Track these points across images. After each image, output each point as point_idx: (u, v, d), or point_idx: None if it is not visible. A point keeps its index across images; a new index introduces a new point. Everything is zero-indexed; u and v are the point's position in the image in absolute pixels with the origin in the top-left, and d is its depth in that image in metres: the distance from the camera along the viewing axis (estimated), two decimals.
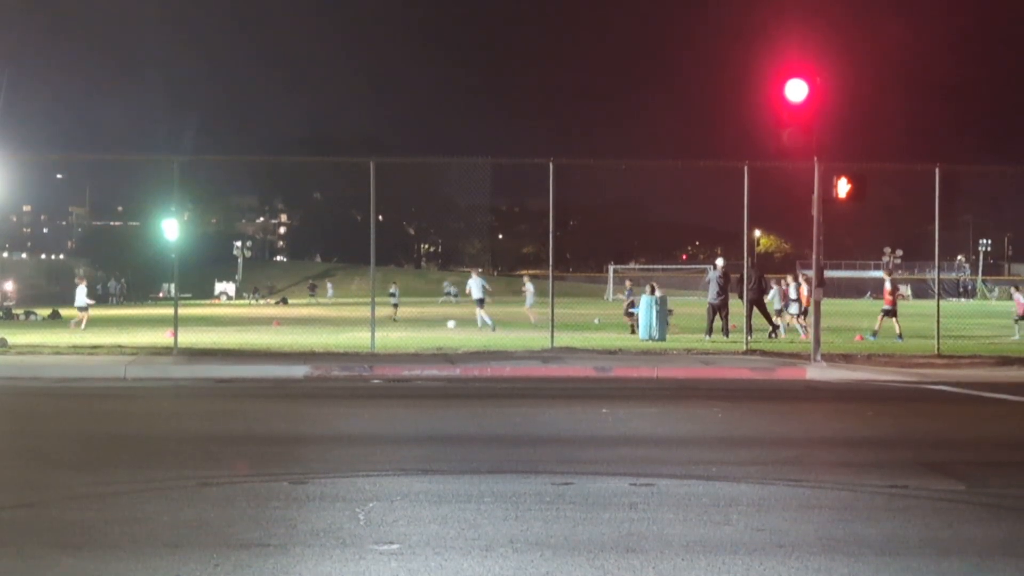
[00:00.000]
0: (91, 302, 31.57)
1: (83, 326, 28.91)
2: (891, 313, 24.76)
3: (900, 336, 23.86)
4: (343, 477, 7.94)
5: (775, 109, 18.11)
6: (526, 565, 5.60)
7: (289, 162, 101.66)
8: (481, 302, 28.82)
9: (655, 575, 5.49)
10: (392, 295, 38.27)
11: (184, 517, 6.63)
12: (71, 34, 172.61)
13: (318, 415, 12.18)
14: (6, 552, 5.88)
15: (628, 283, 31.34)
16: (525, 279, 33.56)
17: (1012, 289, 29.21)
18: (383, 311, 30.33)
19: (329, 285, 72.75)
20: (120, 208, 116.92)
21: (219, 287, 77.61)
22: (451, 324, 29.95)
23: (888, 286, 25.34)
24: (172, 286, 45.10)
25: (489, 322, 27.57)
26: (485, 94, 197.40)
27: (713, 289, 24.43)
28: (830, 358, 18.47)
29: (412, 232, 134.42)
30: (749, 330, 22.57)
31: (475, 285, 29.45)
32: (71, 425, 11.23)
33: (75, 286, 32.16)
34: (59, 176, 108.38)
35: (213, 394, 14.29)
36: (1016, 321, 26.52)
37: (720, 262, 25.63)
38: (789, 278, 26.95)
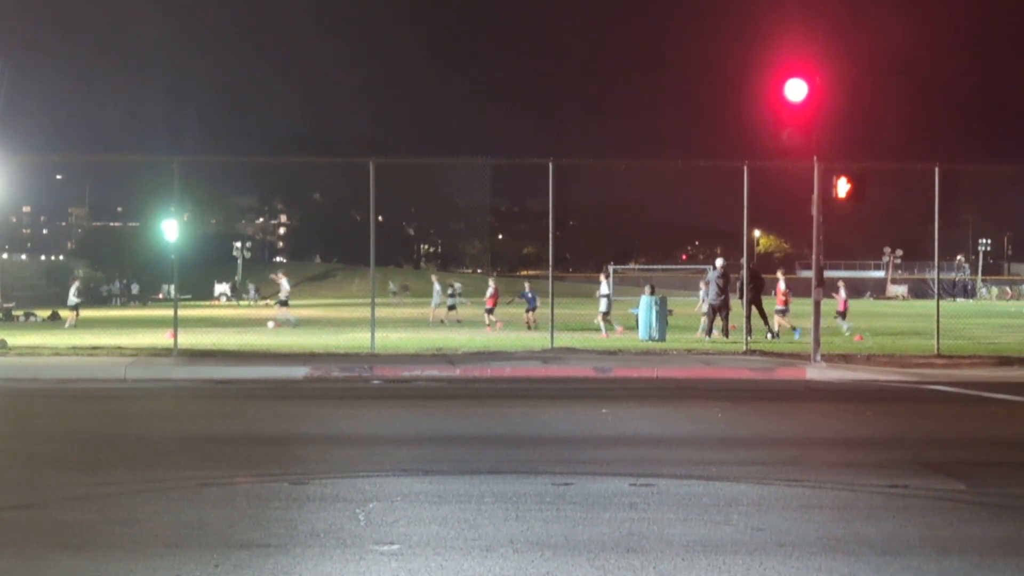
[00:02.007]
0: (79, 300, 32.67)
1: (72, 324, 29.90)
2: (784, 312, 25.42)
3: (797, 332, 24.57)
4: (343, 477, 7.94)
5: (775, 109, 18.11)
6: (526, 565, 5.60)
7: (289, 163, 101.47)
8: (284, 303, 31.22)
9: (655, 575, 5.49)
10: (451, 296, 38.11)
11: (184, 517, 6.63)
12: (71, 35, 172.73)
13: (318, 416, 12.18)
14: (6, 552, 5.89)
15: (491, 281, 32.31)
16: (433, 277, 34.84)
17: (840, 283, 30.01)
18: (385, 311, 30.38)
19: (251, 287, 69.65)
20: (120, 209, 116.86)
21: (218, 288, 77.55)
22: (270, 325, 30.43)
23: (782, 286, 25.75)
24: (172, 287, 45.20)
25: (292, 321, 30.20)
26: (485, 94, 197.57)
27: (713, 289, 24.45)
28: (830, 358, 18.47)
29: (412, 232, 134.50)
30: (749, 330, 22.58)
31: (285, 285, 31.49)
32: (71, 426, 11.23)
33: (71, 285, 33.16)
34: (58, 177, 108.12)
35: (213, 395, 14.29)
36: (836, 317, 27.20)
37: (720, 262, 25.65)
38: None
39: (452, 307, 35.67)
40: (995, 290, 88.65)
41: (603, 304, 26.27)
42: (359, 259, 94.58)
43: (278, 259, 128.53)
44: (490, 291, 30.91)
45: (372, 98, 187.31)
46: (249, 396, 14.12)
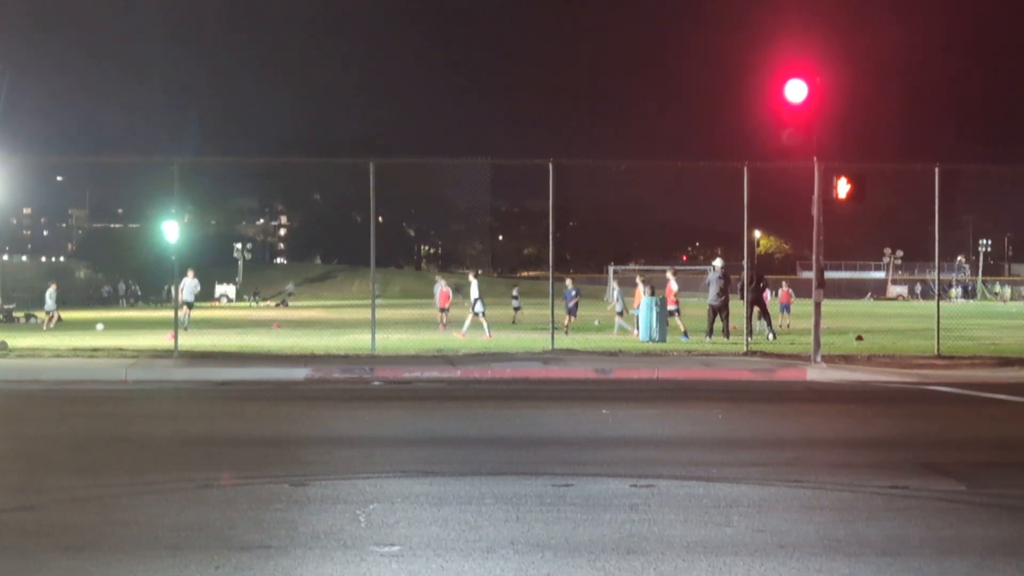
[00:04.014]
0: (55, 305, 33.33)
1: (48, 327, 30.31)
2: (675, 312, 25.46)
3: (685, 334, 24.64)
4: (344, 479, 7.95)
5: (775, 109, 18.12)
6: (527, 567, 5.60)
7: (289, 164, 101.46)
8: (187, 308, 30.43)
9: None
10: (515, 298, 38.47)
11: (185, 519, 6.63)
12: (71, 36, 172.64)
13: (319, 417, 12.18)
14: (7, 554, 5.89)
15: (439, 279, 32.83)
16: (437, 277, 34.67)
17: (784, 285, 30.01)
18: (385, 313, 30.39)
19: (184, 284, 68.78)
20: (120, 210, 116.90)
21: (219, 289, 77.59)
22: (100, 327, 30.11)
23: (674, 287, 25.64)
24: (172, 289, 45.33)
25: (184, 323, 28.90)
26: (485, 95, 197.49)
27: (713, 290, 24.44)
28: (830, 359, 18.47)
29: (412, 234, 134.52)
30: (749, 331, 22.60)
31: (188, 284, 30.80)
32: (72, 428, 11.23)
33: (49, 287, 33.58)
34: (59, 178, 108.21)
35: (214, 396, 14.29)
36: (759, 318, 26.99)
37: (719, 263, 25.65)
38: (638, 279, 28.08)
39: (517, 308, 36.24)
40: (1008, 290, 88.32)
41: (479, 306, 26.64)
42: (360, 260, 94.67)
43: (279, 260, 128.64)
44: (441, 291, 31.15)
45: (372, 99, 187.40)
46: (250, 397, 14.12)
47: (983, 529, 6.53)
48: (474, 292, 26.77)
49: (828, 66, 19.40)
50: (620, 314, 28.24)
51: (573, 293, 28.82)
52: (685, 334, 24.74)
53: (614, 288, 28.10)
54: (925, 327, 26.52)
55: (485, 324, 26.25)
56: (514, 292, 39.34)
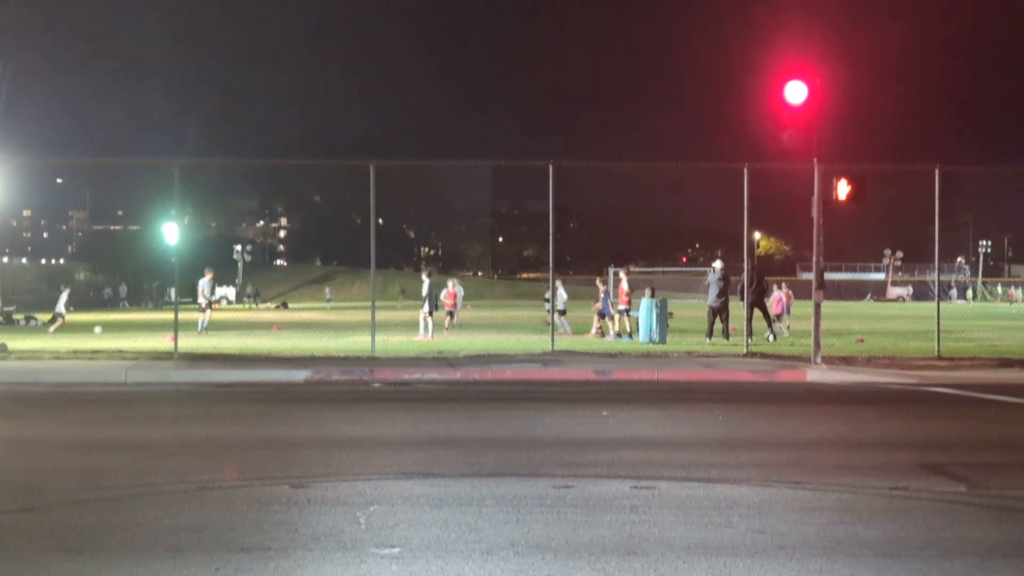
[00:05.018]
0: (65, 310, 32.80)
1: (52, 330, 29.94)
2: (626, 312, 25.56)
3: (630, 335, 24.84)
4: (344, 481, 7.94)
5: (775, 111, 18.13)
6: (527, 568, 5.60)
7: (289, 165, 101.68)
8: (203, 307, 29.96)
9: None
10: (547, 300, 38.32)
11: (185, 521, 6.63)
12: (71, 38, 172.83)
13: (319, 419, 12.17)
14: (7, 556, 5.88)
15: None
16: (452, 280, 32.96)
17: (776, 287, 29.54)
18: (385, 314, 30.40)
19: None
20: (120, 212, 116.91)
21: (219, 291, 77.56)
22: (97, 330, 29.78)
23: (625, 287, 25.56)
24: (173, 290, 45.30)
25: (200, 326, 28.49)
26: (485, 96, 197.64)
27: (713, 291, 24.45)
28: (830, 360, 18.47)
29: (412, 235, 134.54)
30: (749, 333, 22.60)
31: (203, 286, 30.15)
32: (71, 430, 11.22)
33: (62, 291, 33.44)
34: (59, 180, 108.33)
35: (214, 398, 14.29)
36: (776, 319, 26.70)
37: (718, 264, 25.66)
38: (598, 280, 28.72)
39: (549, 311, 35.96)
40: (1021, 291, 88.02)
41: (427, 305, 26.74)
42: (359, 262, 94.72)
43: (279, 262, 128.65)
44: (448, 292, 30.62)
45: (372, 101, 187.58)
46: (250, 399, 14.12)
47: (984, 530, 6.52)
48: (425, 291, 26.92)
49: (828, 67, 19.40)
50: (563, 313, 28.32)
51: (602, 295, 28.28)
52: (619, 335, 25.16)
53: (557, 286, 28.42)
54: (925, 329, 26.51)
55: (423, 323, 26.34)
56: (547, 295, 39.08)
